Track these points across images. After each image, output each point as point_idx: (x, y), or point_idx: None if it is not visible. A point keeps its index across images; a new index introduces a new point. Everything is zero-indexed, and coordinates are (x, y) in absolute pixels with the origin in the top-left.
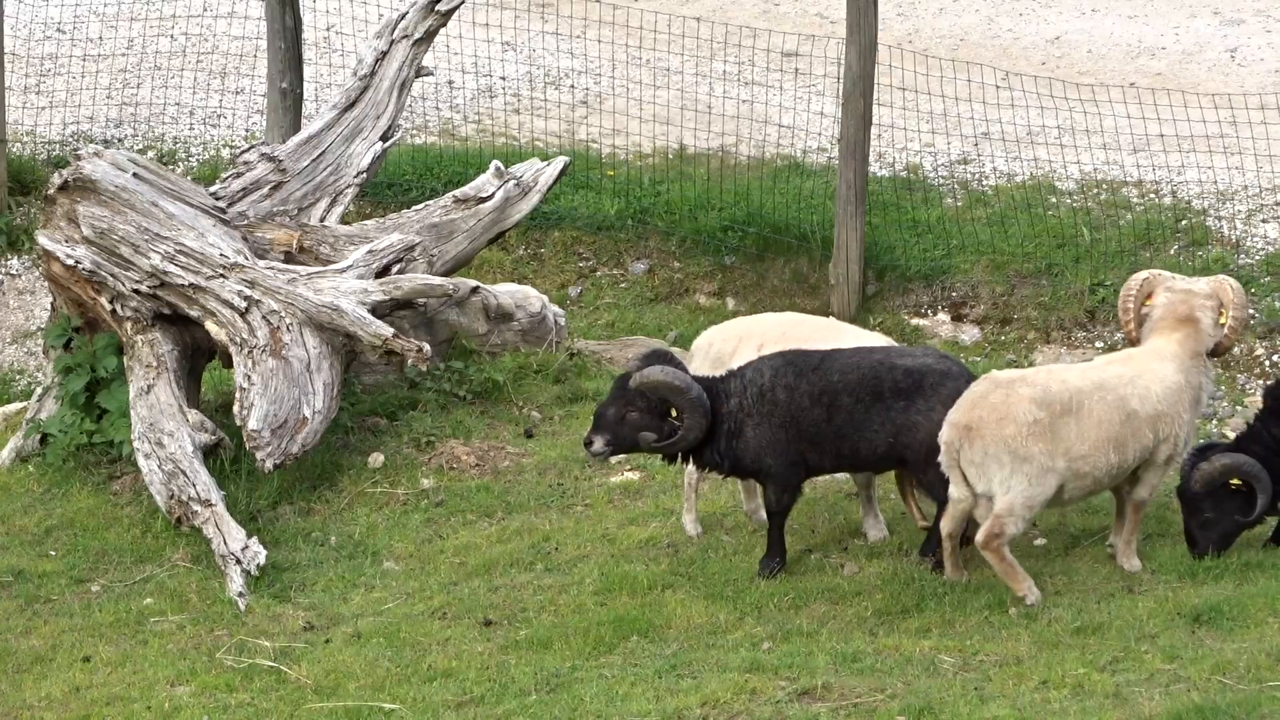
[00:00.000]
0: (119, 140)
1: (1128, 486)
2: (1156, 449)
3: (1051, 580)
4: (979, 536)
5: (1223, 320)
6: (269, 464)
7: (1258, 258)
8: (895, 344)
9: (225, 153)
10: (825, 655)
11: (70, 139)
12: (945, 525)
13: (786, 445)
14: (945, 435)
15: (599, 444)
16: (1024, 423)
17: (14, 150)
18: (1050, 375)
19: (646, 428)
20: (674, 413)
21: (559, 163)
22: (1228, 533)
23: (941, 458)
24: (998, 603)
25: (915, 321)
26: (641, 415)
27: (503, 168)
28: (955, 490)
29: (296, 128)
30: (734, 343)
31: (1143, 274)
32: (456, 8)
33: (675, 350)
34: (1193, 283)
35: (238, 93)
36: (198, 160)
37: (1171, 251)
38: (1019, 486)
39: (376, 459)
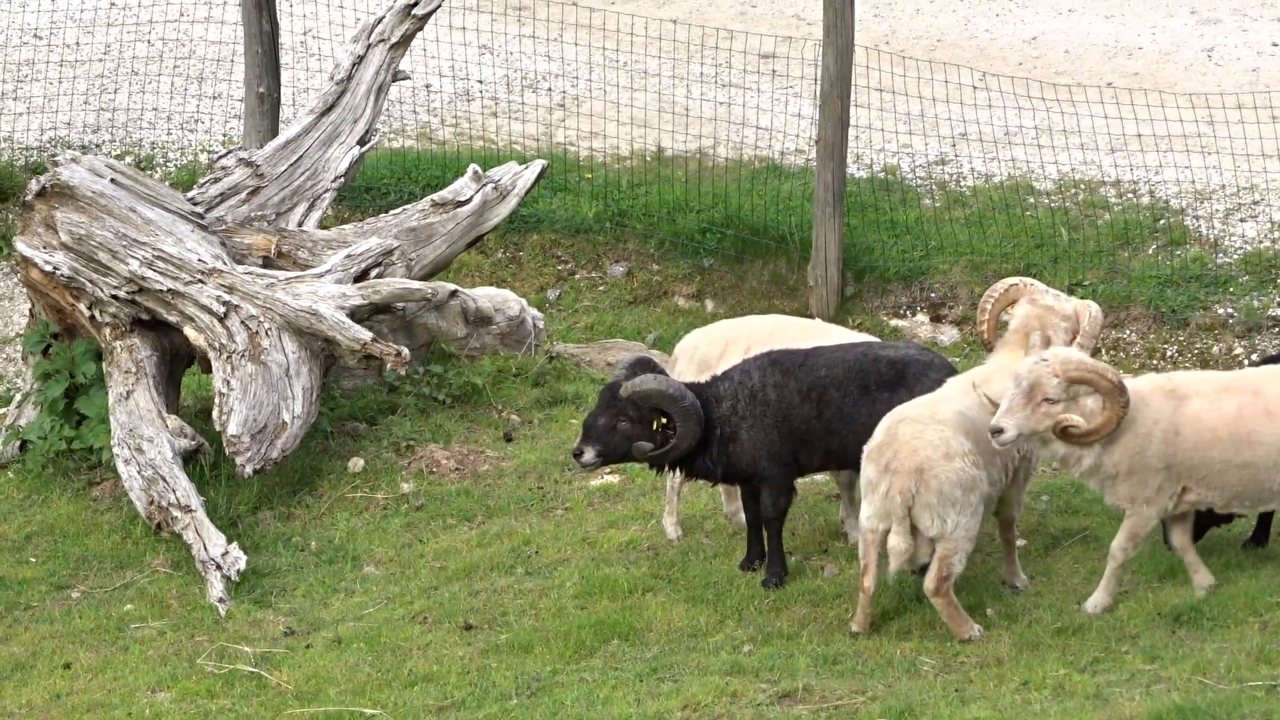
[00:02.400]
0: (96, 146)
1: (1000, 508)
2: (1018, 468)
3: (1031, 581)
4: (928, 584)
5: (1075, 342)
6: (249, 469)
7: (1235, 257)
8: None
9: (203, 158)
10: (806, 658)
11: (48, 144)
12: (870, 582)
13: (779, 446)
14: (900, 484)
15: (589, 455)
16: (963, 453)
17: None
18: (939, 404)
19: (638, 437)
20: (664, 421)
21: (537, 166)
22: None
23: (887, 508)
24: (977, 605)
25: (894, 322)
26: (632, 425)
27: (480, 171)
28: (901, 541)
29: (274, 132)
30: (720, 346)
31: (1010, 280)
32: (433, 11)
33: (654, 354)
34: (1057, 299)
35: (215, 97)
36: (175, 165)
37: (1150, 251)
38: (964, 522)
39: (356, 464)
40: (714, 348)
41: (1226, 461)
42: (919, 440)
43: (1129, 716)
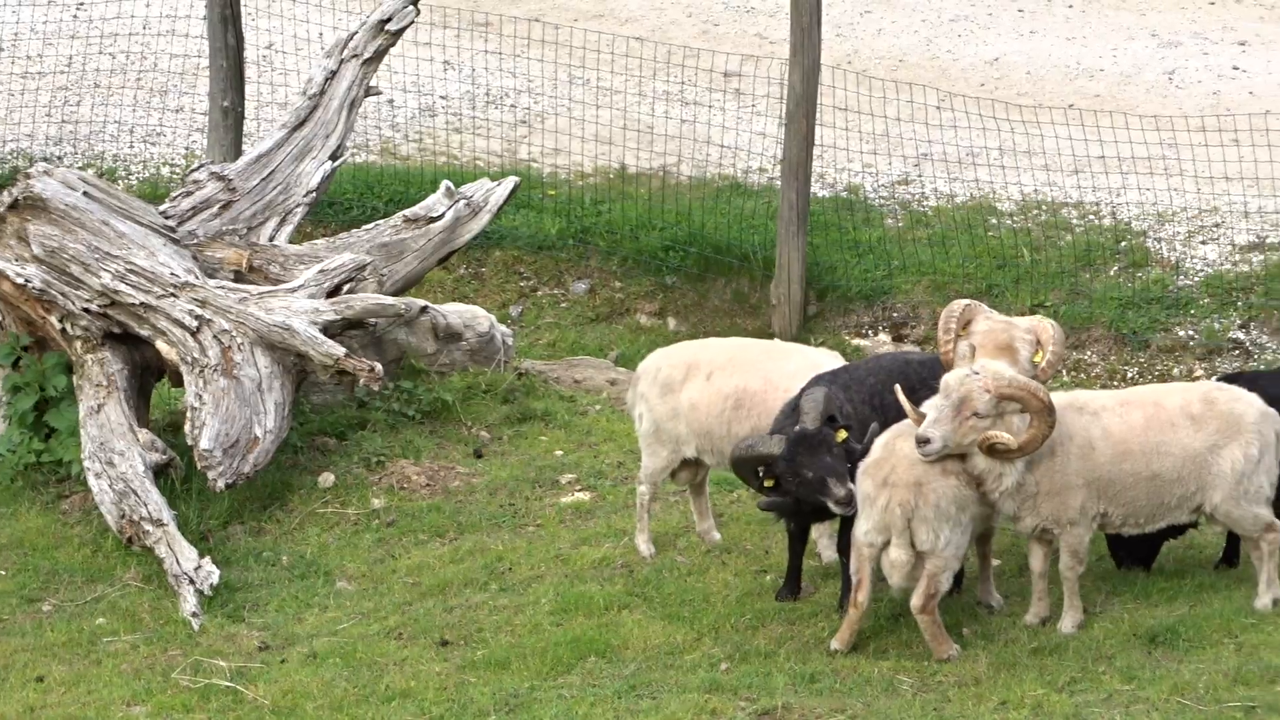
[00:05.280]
0: (58, 158)
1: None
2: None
3: (1007, 601)
4: (916, 601)
5: (1038, 358)
6: (220, 483)
7: (1197, 279)
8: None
9: (165, 171)
10: (784, 676)
11: (9, 156)
12: (863, 597)
13: None
14: (900, 497)
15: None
16: (958, 471)
17: None
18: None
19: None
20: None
21: (509, 183)
22: None
23: (886, 521)
24: (953, 624)
25: (856, 341)
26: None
27: (453, 187)
28: (904, 553)
29: (237, 146)
30: (683, 370)
31: (964, 301)
32: (406, 27)
33: (620, 371)
34: (1013, 318)
35: (178, 111)
36: (138, 178)
37: (1112, 272)
38: (955, 538)
39: (327, 479)
40: (677, 371)
41: (1137, 474)
42: (918, 454)
43: None
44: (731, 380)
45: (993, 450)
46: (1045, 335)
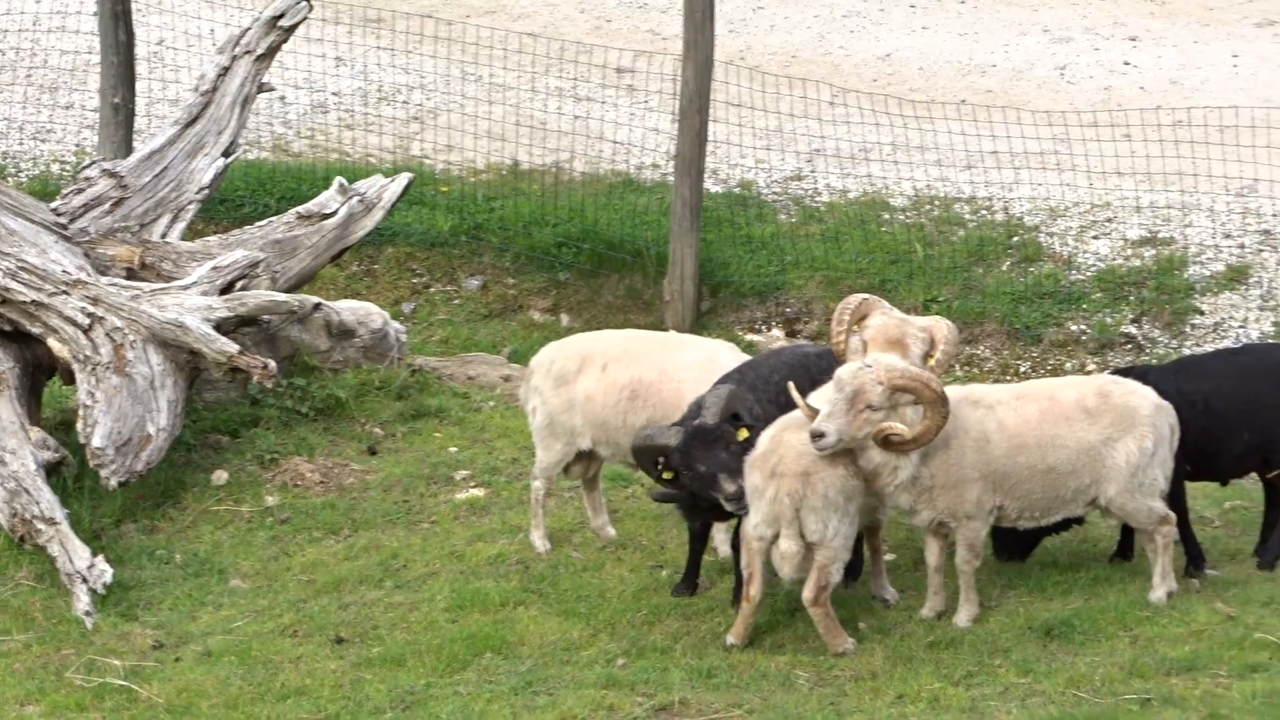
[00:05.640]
0: None
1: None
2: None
3: (903, 595)
4: (808, 594)
5: (932, 356)
6: (114, 482)
7: (1089, 274)
8: (743, 354)
9: (56, 168)
10: (681, 671)
11: None
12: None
13: None
14: (788, 487)
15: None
16: (846, 461)
17: None
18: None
19: None
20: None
21: (403, 179)
22: None
23: (775, 512)
24: (849, 619)
25: (749, 337)
26: None
27: (346, 184)
28: (794, 544)
29: (128, 143)
30: (577, 361)
31: (860, 296)
32: (299, 23)
33: (514, 367)
34: (910, 316)
35: (68, 108)
36: (28, 175)
37: (1004, 267)
38: (844, 529)
39: (220, 476)
40: (571, 363)
41: (1033, 468)
42: (805, 445)
43: None
44: (627, 372)
45: (888, 442)
46: (939, 333)
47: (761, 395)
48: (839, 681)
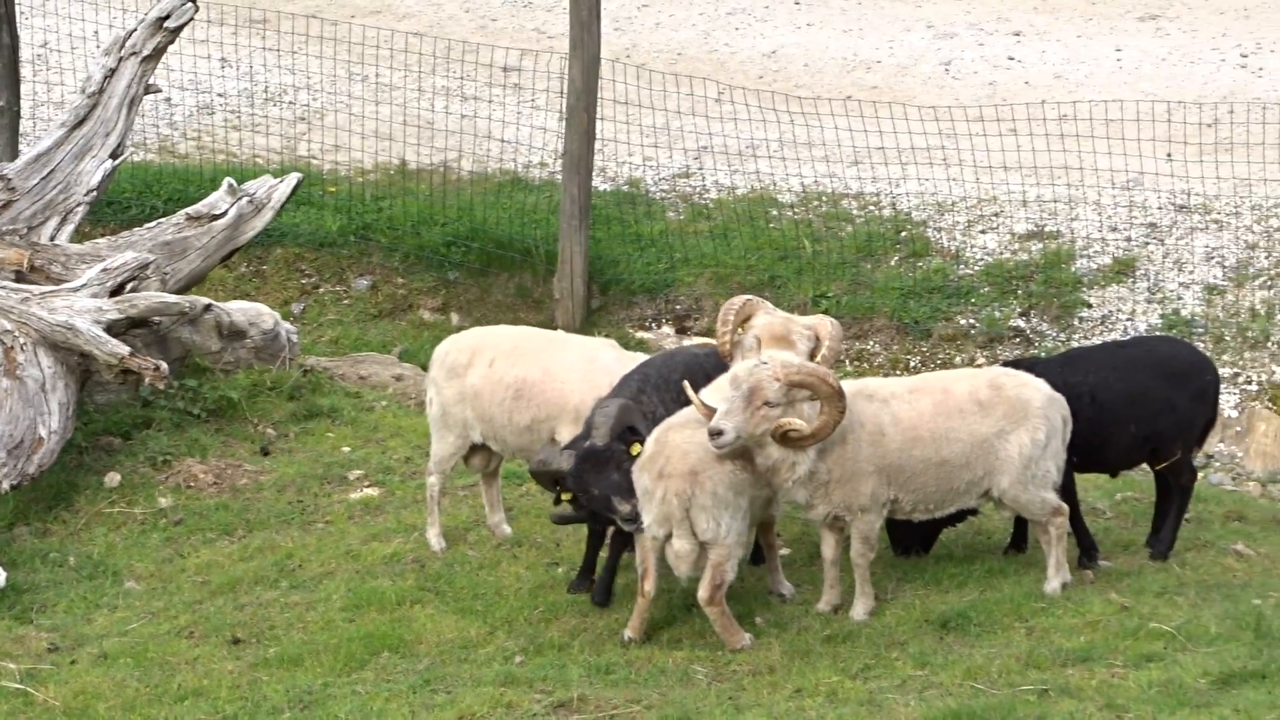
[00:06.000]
0: None
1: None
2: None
3: (799, 589)
4: (703, 593)
5: (818, 353)
6: (5, 485)
7: (977, 268)
8: (625, 351)
9: None
10: (578, 667)
11: None
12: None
13: None
14: (675, 487)
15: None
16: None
17: None
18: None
19: None
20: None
21: (292, 179)
22: None
23: (665, 513)
24: (746, 614)
25: (640, 334)
26: None
27: (235, 185)
28: (686, 543)
29: (14, 145)
30: (469, 354)
31: (744, 297)
32: (185, 25)
33: (405, 367)
34: (794, 315)
35: None
36: None
37: (893, 262)
38: (736, 526)
39: (113, 478)
40: (463, 355)
41: (927, 460)
42: (690, 444)
43: None
44: (513, 370)
45: (786, 438)
46: (824, 331)
47: (666, 396)
48: (737, 676)
